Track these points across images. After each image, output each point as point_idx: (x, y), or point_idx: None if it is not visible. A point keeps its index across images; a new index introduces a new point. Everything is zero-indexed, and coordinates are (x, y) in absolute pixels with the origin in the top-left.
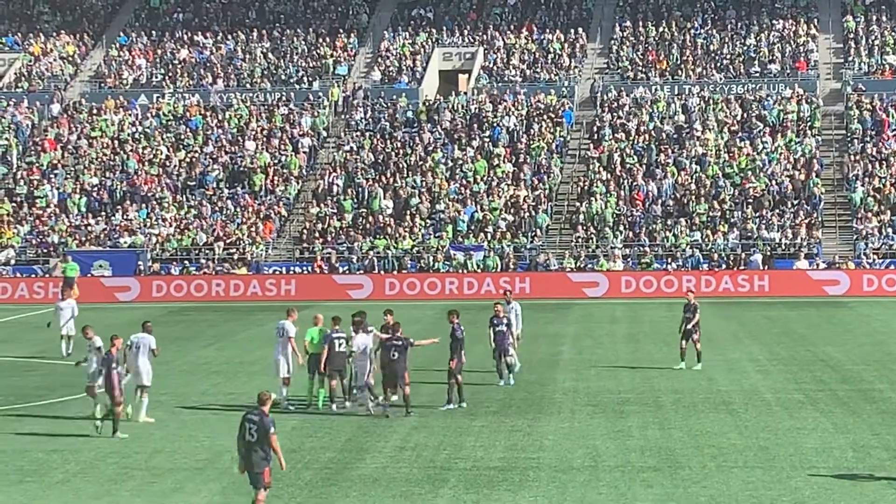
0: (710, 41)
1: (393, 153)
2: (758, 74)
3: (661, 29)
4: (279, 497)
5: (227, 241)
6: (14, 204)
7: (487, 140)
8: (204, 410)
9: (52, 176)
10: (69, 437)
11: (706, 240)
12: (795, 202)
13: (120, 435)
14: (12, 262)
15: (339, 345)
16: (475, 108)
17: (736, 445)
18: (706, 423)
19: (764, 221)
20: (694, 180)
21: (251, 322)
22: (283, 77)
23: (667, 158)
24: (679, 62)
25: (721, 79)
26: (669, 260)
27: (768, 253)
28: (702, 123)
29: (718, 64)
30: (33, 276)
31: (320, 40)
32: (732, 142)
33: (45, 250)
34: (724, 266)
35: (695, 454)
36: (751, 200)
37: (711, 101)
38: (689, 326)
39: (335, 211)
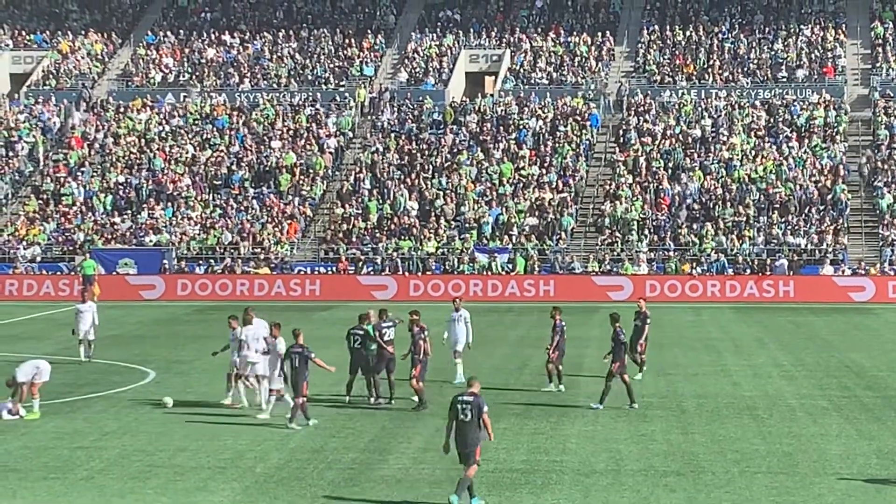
0: (737, 46)
1: (418, 154)
2: (785, 80)
3: (688, 33)
4: (302, 497)
5: (252, 241)
6: (40, 201)
7: (513, 142)
8: (227, 409)
9: (78, 174)
10: (93, 435)
11: (731, 244)
12: (821, 208)
13: (313, 422)
14: (38, 259)
15: (386, 335)
16: (501, 111)
17: (759, 451)
18: (730, 429)
19: (789, 227)
20: (720, 185)
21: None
22: (309, 77)
23: (693, 162)
24: (706, 66)
25: (748, 83)
26: (695, 265)
27: (793, 259)
28: (728, 128)
29: (745, 69)
30: (59, 273)
31: (347, 41)
32: (759, 147)
33: (70, 248)
34: (749, 271)
35: (718, 459)
36: (776, 205)
37: (738, 106)
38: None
39: (360, 212)
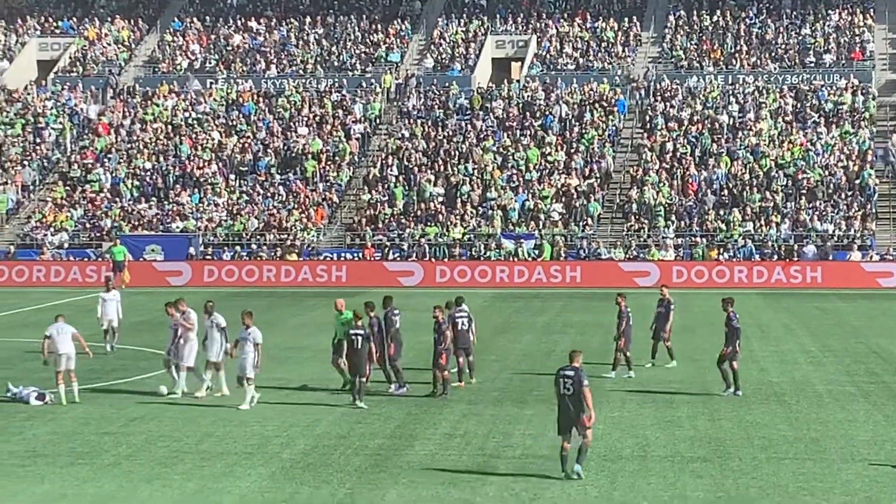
0: (764, 31)
1: (445, 141)
2: (813, 65)
3: (715, 18)
4: (328, 483)
5: (279, 227)
6: (67, 188)
7: (539, 128)
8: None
9: (105, 160)
10: (120, 420)
11: (759, 230)
12: (849, 193)
13: (359, 404)
14: (65, 245)
15: (462, 323)
16: (528, 96)
17: (787, 437)
18: (757, 414)
19: (817, 213)
20: (747, 170)
21: (302, 308)
22: (336, 63)
23: (720, 148)
24: (733, 52)
25: (775, 69)
26: (721, 250)
27: (821, 244)
28: (755, 113)
29: (773, 54)
30: (86, 259)
31: (373, 27)
32: (786, 132)
33: (97, 234)
34: (776, 257)
35: (745, 445)
36: (804, 191)
37: (765, 91)
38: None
39: (386, 198)
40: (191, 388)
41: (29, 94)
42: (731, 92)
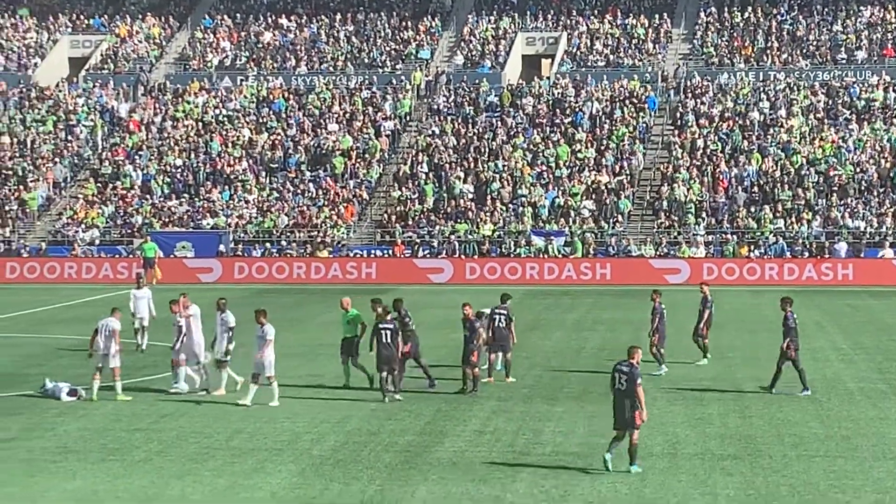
0: (795, 27)
1: (475, 138)
2: (844, 61)
3: (746, 15)
4: (358, 479)
5: (309, 224)
6: (99, 184)
7: (569, 125)
8: (284, 392)
9: (136, 157)
10: (151, 417)
11: (790, 227)
12: (881, 190)
13: (396, 396)
14: (97, 242)
15: (500, 321)
16: (558, 93)
17: (818, 434)
18: (787, 412)
19: (849, 209)
20: (778, 167)
21: (332, 305)
22: (366, 61)
23: (751, 145)
24: (764, 48)
25: (807, 65)
26: (752, 247)
27: (853, 241)
28: (787, 110)
29: (804, 50)
30: (117, 256)
31: (404, 24)
32: (818, 129)
33: (128, 231)
34: (807, 254)
35: (776, 443)
36: (835, 188)
37: (797, 88)
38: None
39: (416, 195)
40: (212, 384)
41: (60, 91)
42: (762, 89)
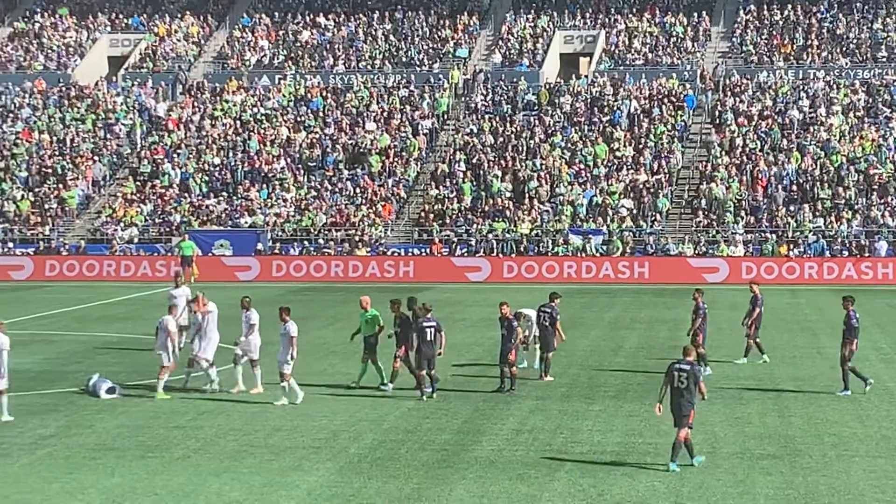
0: (835, 25)
1: (512, 136)
2: (884, 59)
3: (785, 12)
4: (396, 477)
5: (347, 223)
6: (137, 183)
7: (607, 124)
8: (322, 390)
9: (174, 156)
10: (190, 414)
11: (829, 226)
12: None
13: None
14: (135, 240)
15: (543, 319)
16: (596, 92)
17: (857, 434)
18: (827, 412)
19: (889, 208)
20: (818, 166)
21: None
22: (403, 59)
23: (790, 143)
24: (804, 46)
25: (847, 63)
26: (791, 246)
27: (893, 240)
28: (826, 108)
29: (844, 48)
30: (156, 254)
31: (441, 22)
32: (857, 127)
33: (167, 229)
34: (847, 253)
35: (815, 442)
36: (876, 187)
37: (836, 86)
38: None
39: (454, 193)
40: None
41: (99, 90)
42: (801, 87)
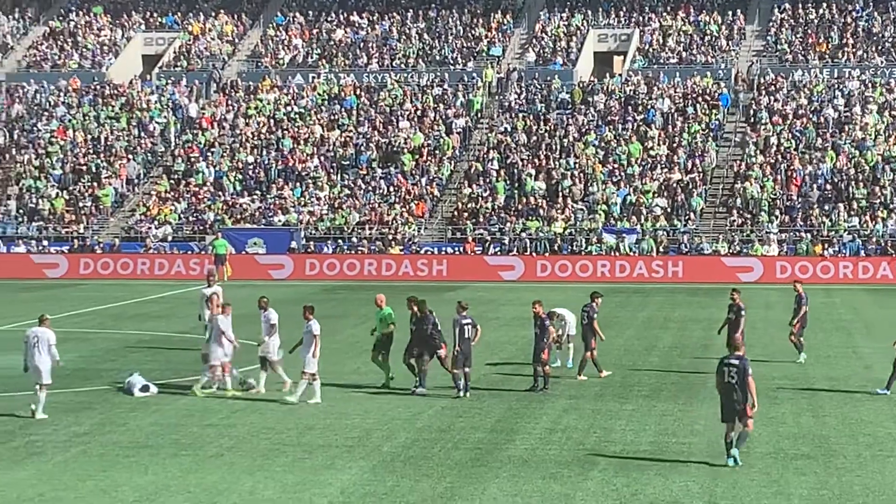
0: (871, 24)
1: (546, 135)
2: None
3: (821, 11)
4: (429, 476)
5: (380, 221)
6: (171, 181)
7: (641, 122)
8: (355, 389)
9: (208, 154)
10: (223, 412)
11: (864, 225)
12: None
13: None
14: (169, 238)
15: (583, 318)
16: (630, 90)
17: (892, 434)
18: (862, 412)
19: None
20: (853, 165)
21: (403, 302)
22: (437, 58)
23: (825, 142)
24: (839, 45)
25: (882, 62)
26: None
27: None
28: (862, 107)
29: (880, 47)
30: (189, 252)
31: (475, 21)
32: (893, 126)
33: (200, 227)
34: (882, 253)
35: (849, 442)
36: None
37: (872, 85)
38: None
39: (487, 192)
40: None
41: (134, 88)
42: (836, 86)
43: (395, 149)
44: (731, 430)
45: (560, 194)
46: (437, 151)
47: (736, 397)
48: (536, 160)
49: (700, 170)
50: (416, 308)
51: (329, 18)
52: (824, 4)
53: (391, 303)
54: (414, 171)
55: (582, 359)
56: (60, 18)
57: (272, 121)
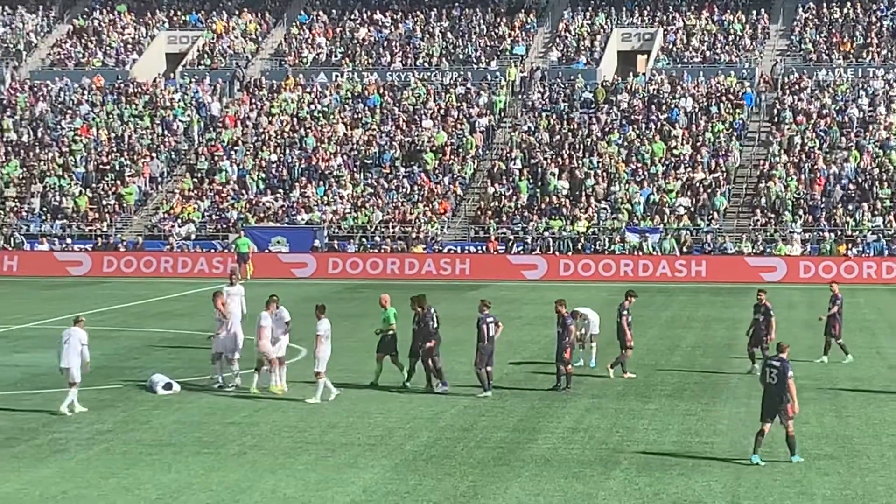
0: (895, 23)
1: (569, 134)
2: None
3: (845, 10)
4: (451, 475)
5: (403, 220)
6: (195, 179)
7: (665, 122)
8: (378, 387)
9: (232, 152)
10: (246, 410)
11: (888, 225)
12: None
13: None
14: (192, 236)
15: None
16: (653, 90)
17: None
18: (885, 412)
19: None
20: (877, 165)
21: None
22: (461, 57)
23: (849, 142)
24: (864, 44)
25: None
26: (850, 245)
27: None
28: (886, 107)
29: None
30: (212, 250)
31: (499, 20)
32: None
33: (224, 226)
34: None
35: (873, 443)
36: None
37: None
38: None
39: (510, 191)
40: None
41: (157, 86)
42: (860, 85)
43: (418, 147)
44: (766, 427)
45: (583, 193)
46: (460, 150)
47: (775, 397)
48: (559, 159)
49: (723, 169)
50: (419, 307)
51: (352, 17)
52: (848, 4)
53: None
54: (437, 170)
55: (621, 357)
56: (85, 16)
57: (295, 119)
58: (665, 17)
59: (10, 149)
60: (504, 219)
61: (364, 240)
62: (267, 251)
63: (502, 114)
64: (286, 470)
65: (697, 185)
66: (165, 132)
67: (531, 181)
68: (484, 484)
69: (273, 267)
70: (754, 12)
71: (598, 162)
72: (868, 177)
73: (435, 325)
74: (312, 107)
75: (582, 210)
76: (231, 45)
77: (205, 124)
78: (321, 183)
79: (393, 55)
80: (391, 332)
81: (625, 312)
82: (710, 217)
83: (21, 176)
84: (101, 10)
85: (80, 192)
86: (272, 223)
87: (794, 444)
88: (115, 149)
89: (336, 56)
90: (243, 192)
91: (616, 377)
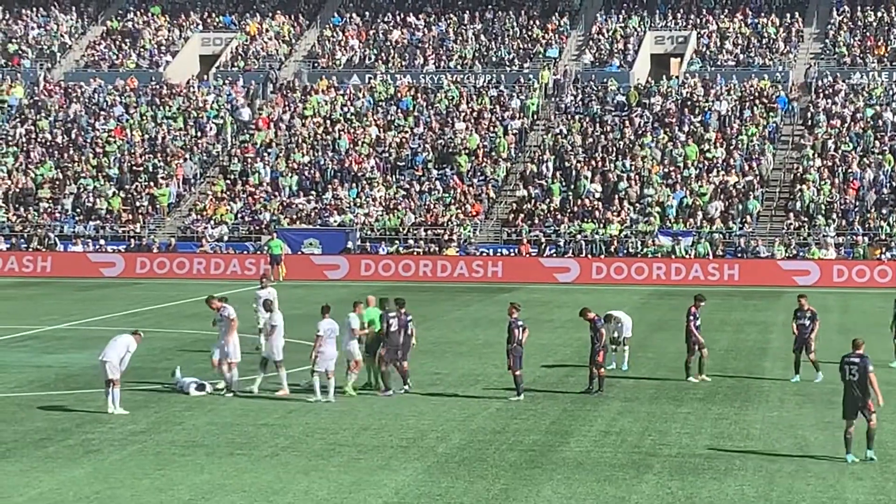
0: None
1: (602, 136)
2: None
3: (879, 13)
4: (483, 477)
5: (435, 222)
6: (228, 181)
7: (698, 125)
8: (410, 390)
9: (265, 154)
10: (278, 412)
11: None
12: None
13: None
14: (225, 238)
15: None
16: (686, 93)
17: None
18: None
19: None
20: None
21: (459, 303)
22: (493, 59)
23: (883, 146)
24: None
25: None
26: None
27: None
28: None
29: None
30: (245, 252)
31: (532, 22)
32: None
33: (256, 228)
34: None
35: None
36: None
37: None
38: None
39: (543, 194)
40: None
41: (191, 88)
42: (895, 89)
43: (450, 150)
44: (851, 427)
45: (616, 196)
46: (492, 153)
47: (856, 394)
48: (592, 162)
49: (757, 173)
50: (386, 309)
51: (385, 19)
52: (883, 7)
53: (458, 304)
54: (469, 173)
55: (700, 358)
56: (119, 18)
57: (328, 121)
58: (698, 20)
59: (44, 150)
60: (536, 221)
61: (396, 242)
62: (299, 253)
63: (535, 116)
64: (319, 472)
65: (730, 188)
66: (198, 134)
67: (563, 184)
68: (516, 487)
69: (305, 269)
70: (788, 15)
71: (631, 165)
72: None
73: (396, 329)
74: (345, 109)
75: (614, 213)
76: (264, 47)
77: (238, 126)
78: (354, 185)
79: (426, 57)
80: (373, 333)
81: (692, 318)
82: (743, 221)
83: (55, 177)
84: (135, 12)
85: (114, 193)
86: (305, 225)
87: (873, 438)
88: (148, 150)
89: (369, 58)
90: (276, 193)
91: (698, 381)
